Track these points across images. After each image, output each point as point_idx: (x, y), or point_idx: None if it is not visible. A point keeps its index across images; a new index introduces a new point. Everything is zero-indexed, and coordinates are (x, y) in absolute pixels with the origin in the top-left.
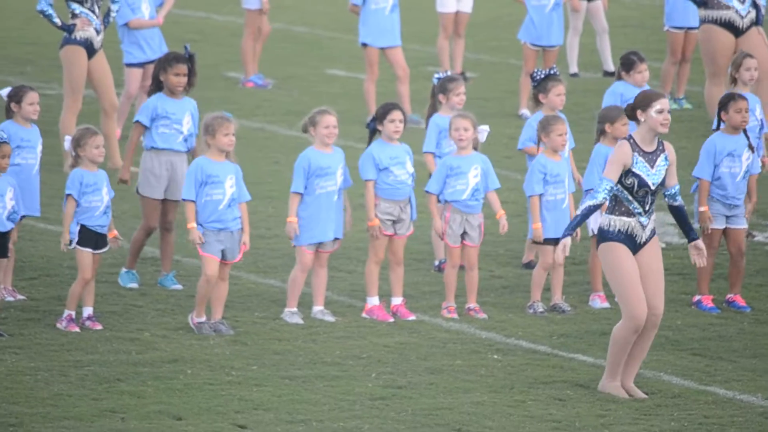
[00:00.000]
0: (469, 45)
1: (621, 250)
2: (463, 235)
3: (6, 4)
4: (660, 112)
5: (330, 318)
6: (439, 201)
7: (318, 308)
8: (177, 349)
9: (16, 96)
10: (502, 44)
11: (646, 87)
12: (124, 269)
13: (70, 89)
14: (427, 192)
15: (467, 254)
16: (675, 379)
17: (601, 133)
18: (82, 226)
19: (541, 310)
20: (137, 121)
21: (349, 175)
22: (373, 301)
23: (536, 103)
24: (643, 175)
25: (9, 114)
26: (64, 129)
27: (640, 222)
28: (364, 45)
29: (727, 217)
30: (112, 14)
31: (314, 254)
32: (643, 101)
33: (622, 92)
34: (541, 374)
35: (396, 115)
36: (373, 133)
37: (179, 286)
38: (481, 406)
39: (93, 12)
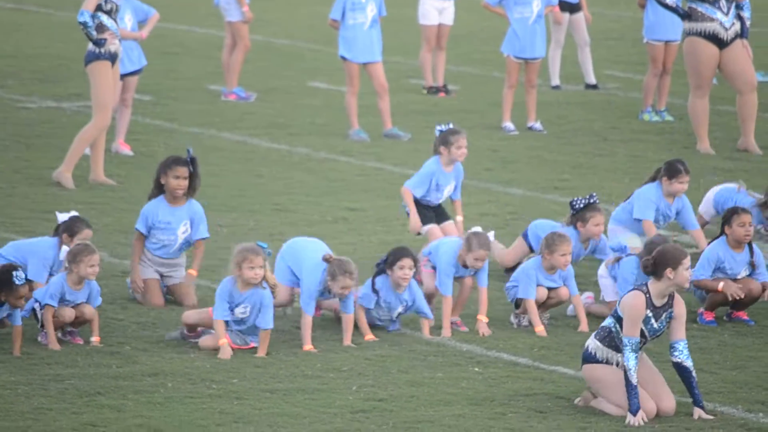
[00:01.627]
0: (451, 57)
1: (602, 367)
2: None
3: None
4: (688, 269)
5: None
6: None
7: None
8: (158, 362)
9: (70, 229)
10: (484, 56)
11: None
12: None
13: (100, 105)
14: (405, 186)
15: (462, 283)
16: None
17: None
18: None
19: (525, 323)
20: (137, 230)
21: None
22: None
23: (574, 228)
24: (644, 328)
25: (61, 239)
26: (82, 140)
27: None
28: (344, 59)
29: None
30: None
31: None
32: (673, 260)
33: (655, 201)
34: (521, 387)
35: (406, 262)
36: (381, 272)
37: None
38: (462, 418)
39: (115, 22)
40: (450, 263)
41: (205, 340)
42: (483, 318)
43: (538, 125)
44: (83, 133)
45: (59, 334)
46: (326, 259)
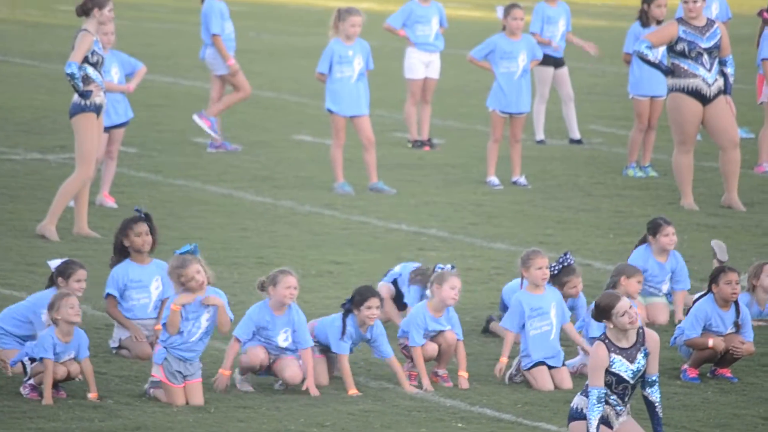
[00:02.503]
0: (436, 111)
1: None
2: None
3: None
4: (623, 315)
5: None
6: None
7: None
8: (140, 416)
9: (64, 272)
10: (469, 110)
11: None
12: None
13: (83, 157)
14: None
15: (443, 336)
16: None
17: (615, 285)
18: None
19: (518, 381)
20: (109, 295)
21: (304, 335)
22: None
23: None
24: (621, 373)
25: (54, 284)
26: (65, 193)
27: (615, 411)
28: (330, 111)
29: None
30: None
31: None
32: (606, 309)
33: (643, 265)
34: None
35: (373, 302)
36: (347, 312)
37: None
38: None
39: (101, 75)
40: (420, 315)
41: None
42: (464, 374)
43: (522, 180)
44: (66, 186)
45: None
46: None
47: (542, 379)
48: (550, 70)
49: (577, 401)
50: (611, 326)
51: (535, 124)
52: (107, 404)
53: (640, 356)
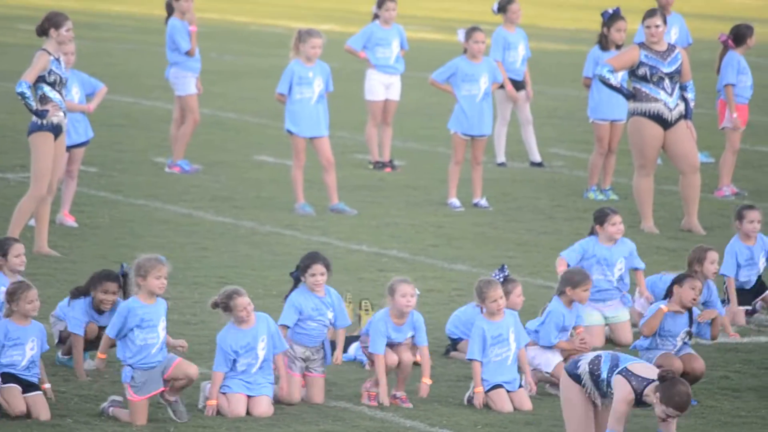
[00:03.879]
0: (397, 133)
1: (580, 393)
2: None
3: None
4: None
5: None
6: None
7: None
8: None
9: (1, 248)
10: (430, 132)
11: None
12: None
13: (37, 176)
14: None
15: (400, 349)
16: None
17: (561, 293)
18: (5, 373)
19: (482, 404)
20: (75, 333)
21: (277, 341)
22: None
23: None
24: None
25: None
26: (21, 212)
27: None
28: (290, 133)
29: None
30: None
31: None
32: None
33: (586, 249)
34: None
35: (317, 269)
36: (297, 281)
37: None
38: None
39: (61, 94)
40: (381, 320)
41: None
42: (427, 381)
43: (483, 202)
44: (21, 205)
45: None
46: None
47: (501, 401)
48: (515, 92)
49: (582, 366)
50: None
51: (497, 146)
52: (66, 423)
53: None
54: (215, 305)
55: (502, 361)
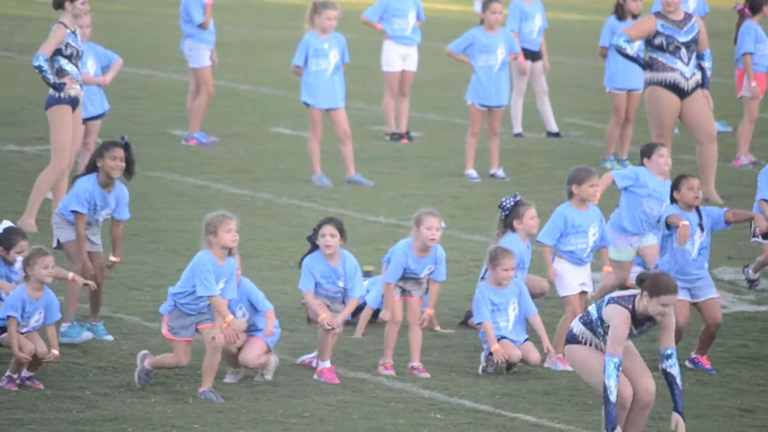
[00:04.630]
0: (413, 104)
1: (584, 348)
2: (404, 291)
3: None
4: (665, 305)
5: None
6: None
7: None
8: (118, 407)
9: (4, 242)
10: (447, 103)
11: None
12: (65, 325)
13: (57, 149)
14: (387, 282)
15: (410, 309)
16: None
17: (570, 194)
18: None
19: (490, 370)
20: (77, 212)
21: (263, 300)
22: (325, 364)
23: (510, 230)
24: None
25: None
26: (41, 185)
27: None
28: (306, 104)
29: (690, 289)
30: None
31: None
32: (655, 289)
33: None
34: None
35: (327, 229)
36: (313, 246)
37: (110, 337)
38: None
39: (77, 67)
40: (402, 250)
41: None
42: (430, 311)
43: (500, 173)
44: (42, 178)
45: (17, 380)
46: None
47: (508, 348)
48: (527, 62)
49: (575, 327)
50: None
51: (513, 117)
52: (85, 395)
53: (646, 325)
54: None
55: (501, 329)
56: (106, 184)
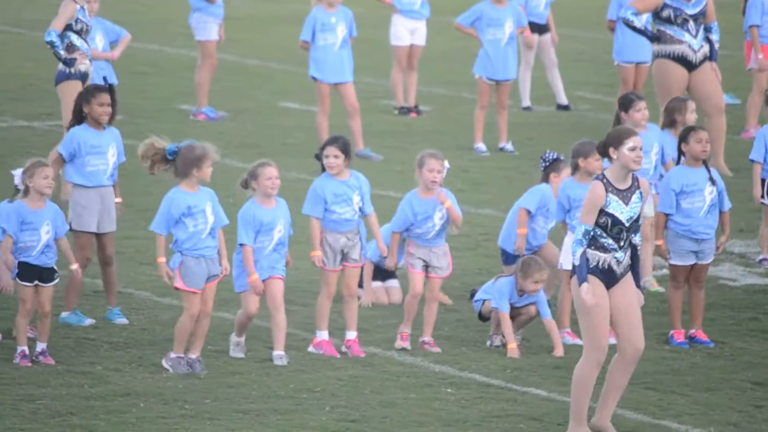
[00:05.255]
0: (422, 78)
1: (593, 284)
2: (428, 267)
3: None
4: (632, 149)
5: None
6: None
7: (278, 353)
8: (130, 382)
9: (28, 171)
10: (455, 77)
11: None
12: (65, 313)
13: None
14: (393, 231)
15: (431, 286)
16: (628, 413)
17: (575, 167)
18: (21, 262)
19: (498, 344)
20: (60, 154)
21: (290, 226)
22: (323, 335)
23: (545, 181)
24: (617, 214)
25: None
26: (51, 160)
27: (615, 258)
28: (314, 79)
29: (696, 252)
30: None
31: (257, 302)
32: (615, 139)
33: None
34: (494, 408)
35: (330, 150)
36: (323, 166)
37: (125, 320)
38: None
39: (86, 43)
40: (407, 201)
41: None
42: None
43: (509, 146)
44: (52, 155)
45: (32, 357)
46: None
47: (506, 322)
48: (534, 36)
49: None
50: (615, 159)
51: (522, 90)
52: (97, 370)
53: (635, 198)
54: (245, 181)
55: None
56: (97, 127)
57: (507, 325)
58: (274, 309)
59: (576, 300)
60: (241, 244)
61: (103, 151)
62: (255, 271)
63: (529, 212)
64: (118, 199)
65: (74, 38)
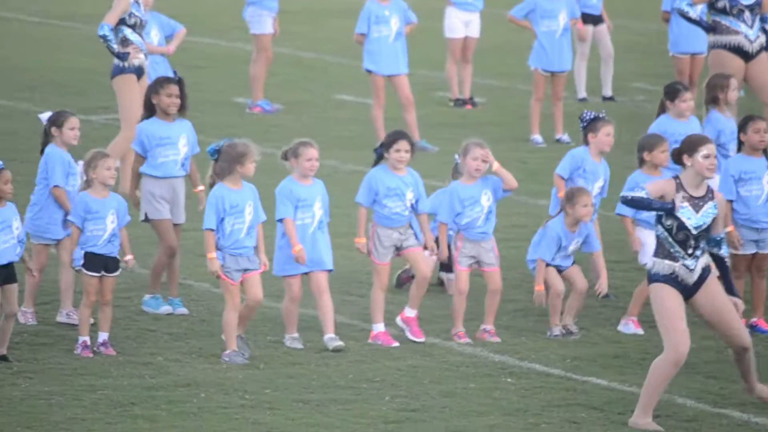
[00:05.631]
0: (477, 70)
1: (665, 288)
2: (479, 262)
3: (11, 30)
4: (707, 157)
5: (338, 344)
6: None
7: (328, 336)
8: (190, 373)
9: (56, 121)
10: (510, 69)
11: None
12: (148, 295)
13: (126, 118)
14: (440, 222)
15: (491, 278)
16: (689, 402)
17: (641, 161)
18: (88, 252)
19: (557, 333)
20: (135, 152)
21: (328, 208)
22: (379, 327)
23: (585, 142)
24: (684, 219)
25: (49, 138)
26: (112, 154)
27: (685, 266)
28: (369, 71)
29: (756, 241)
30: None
31: (299, 283)
32: (690, 146)
33: (665, 129)
34: (554, 397)
35: (402, 145)
36: (380, 158)
37: (185, 310)
38: (495, 429)
39: (141, 37)
40: (452, 190)
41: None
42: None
43: (565, 137)
44: (112, 147)
45: (93, 348)
46: None
47: (552, 276)
48: (589, 27)
49: (649, 262)
50: (689, 165)
51: (577, 82)
52: (157, 361)
53: (708, 208)
54: (284, 154)
55: (568, 258)
56: (167, 119)
57: (541, 270)
58: (318, 294)
59: (653, 302)
60: (279, 219)
61: (174, 141)
62: (298, 242)
63: (563, 178)
64: (201, 187)
65: (128, 32)
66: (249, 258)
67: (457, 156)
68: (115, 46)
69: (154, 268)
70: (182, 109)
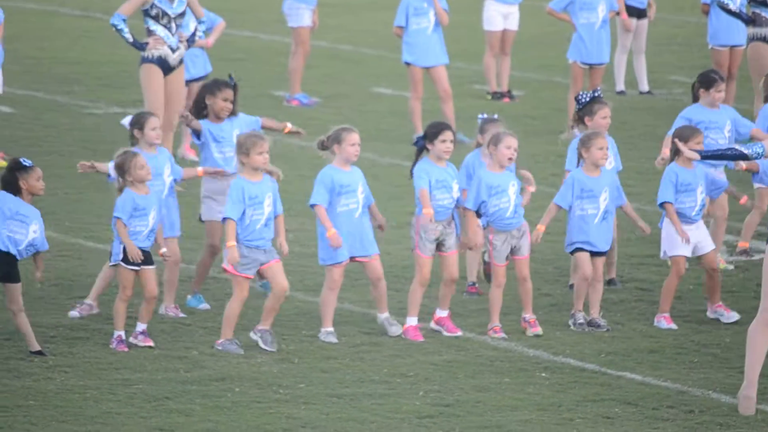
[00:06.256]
0: (515, 63)
1: None
2: (512, 249)
3: (52, 24)
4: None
5: (395, 328)
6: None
7: (383, 315)
8: (225, 367)
9: (138, 123)
10: (548, 62)
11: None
12: (189, 296)
13: (148, 107)
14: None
15: (519, 267)
16: (724, 398)
17: (675, 153)
18: (125, 247)
19: (581, 321)
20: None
21: (370, 192)
22: (412, 321)
23: (581, 125)
24: None
25: (133, 141)
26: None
27: None
28: (408, 64)
29: None
30: (198, 33)
31: (342, 272)
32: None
33: (696, 117)
34: (589, 392)
35: (447, 135)
36: (421, 151)
37: (207, 306)
38: (529, 424)
39: (169, 29)
40: (480, 177)
41: None
42: (532, 188)
43: None
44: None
45: (130, 339)
46: None
47: (582, 263)
48: (632, 20)
49: None
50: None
51: (616, 74)
52: (192, 355)
53: None
54: (321, 143)
55: (589, 217)
56: (218, 120)
57: (550, 213)
58: (377, 279)
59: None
60: (312, 205)
61: (230, 140)
62: (332, 226)
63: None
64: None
65: (151, 23)
66: (265, 250)
67: (480, 116)
68: (128, 36)
69: (198, 269)
70: (231, 114)
